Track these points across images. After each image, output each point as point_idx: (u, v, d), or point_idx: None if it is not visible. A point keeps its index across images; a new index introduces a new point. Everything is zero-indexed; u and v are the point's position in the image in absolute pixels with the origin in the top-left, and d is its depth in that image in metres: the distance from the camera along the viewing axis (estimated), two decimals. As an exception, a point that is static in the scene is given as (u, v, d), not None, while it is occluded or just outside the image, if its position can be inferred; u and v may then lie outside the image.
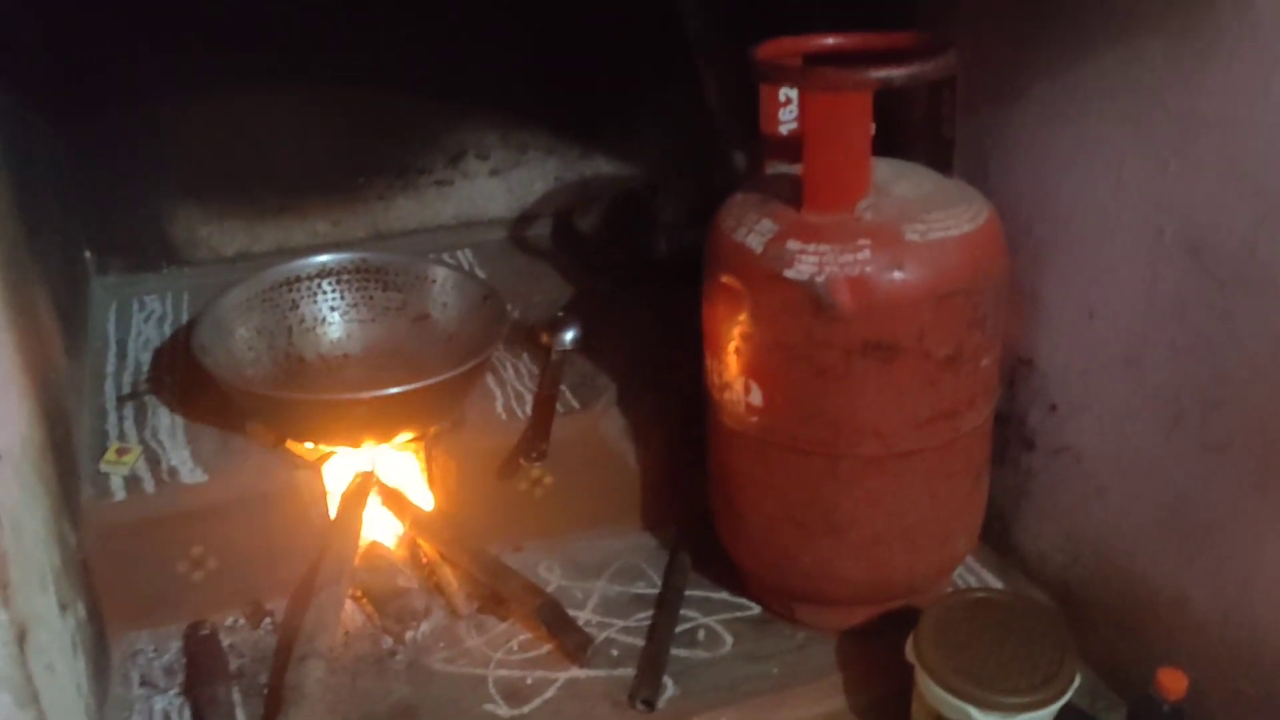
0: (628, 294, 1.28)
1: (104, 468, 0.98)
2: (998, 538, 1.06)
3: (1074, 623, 0.97)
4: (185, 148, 1.27)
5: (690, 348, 1.15)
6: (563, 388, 1.11)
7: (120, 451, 1.00)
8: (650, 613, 1.02)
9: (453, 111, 1.35)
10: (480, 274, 1.32)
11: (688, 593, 1.04)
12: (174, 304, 1.26)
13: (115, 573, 0.95)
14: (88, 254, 1.28)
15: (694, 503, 1.09)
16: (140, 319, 1.24)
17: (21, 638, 0.64)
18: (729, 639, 0.99)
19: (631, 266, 1.31)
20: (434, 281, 1.15)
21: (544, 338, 1.18)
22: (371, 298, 1.16)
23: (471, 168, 1.38)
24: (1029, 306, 0.98)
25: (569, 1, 1.32)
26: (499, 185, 1.40)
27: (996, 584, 1.05)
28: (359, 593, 1.02)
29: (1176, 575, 0.88)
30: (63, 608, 0.77)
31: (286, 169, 1.31)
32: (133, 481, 0.98)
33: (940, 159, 0.92)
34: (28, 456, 0.75)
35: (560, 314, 1.21)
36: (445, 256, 1.36)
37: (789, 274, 0.85)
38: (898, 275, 0.83)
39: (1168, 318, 0.85)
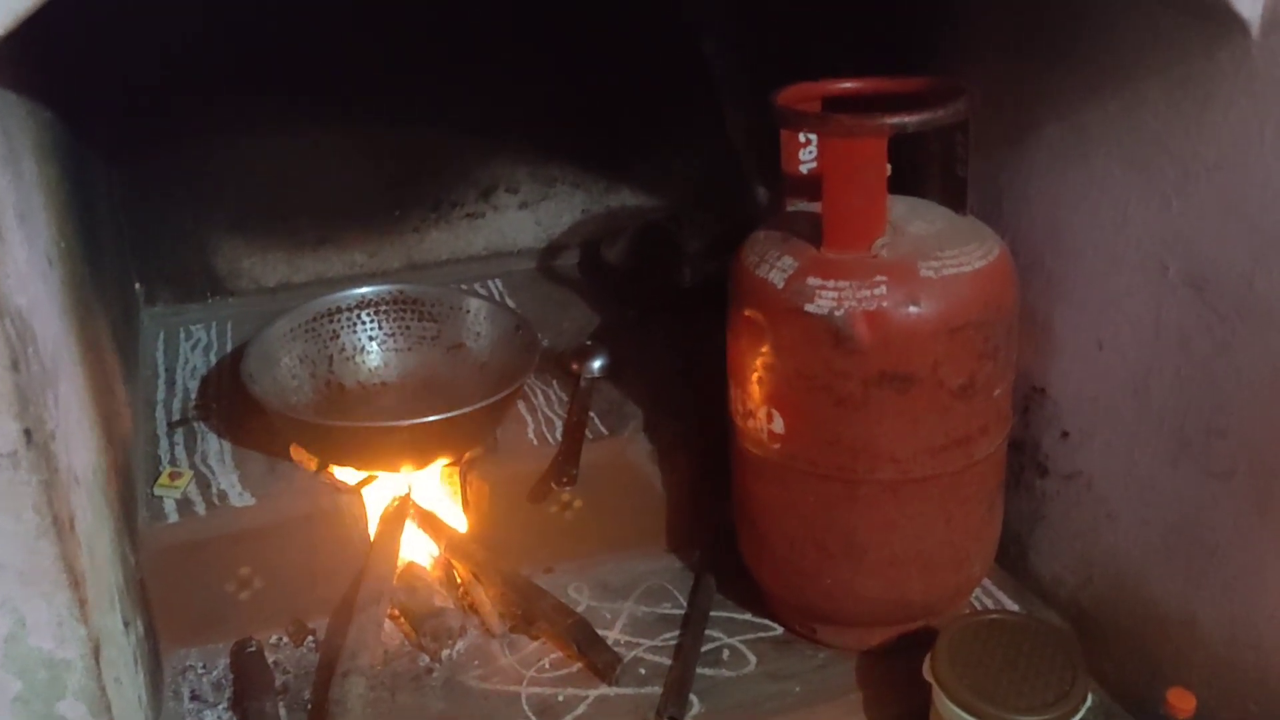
0: (653, 323, 1.32)
1: (158, 491, 1.03)
2: (1014, 561, 1.10)
3: (1087, 643, 1.01)
4: (230, 183, 1.32)
5: (713, 375, 1.20)
6: (591, 414, 1.16)
7: (173, 476, 1.05)
8: (676, 633, 1.06)
9: (484, 147, 1.40)
10: (510, 303, 1.37)
11: (712, 613, 1.08)
12: (219, 333, 1.32)
13: (168, 592, 1.00)
14: (137, 285, 1.33)
15: (717, 525, 1.13)
16: (187, 347, 1.29)
17: (96, 651, 0.69)
18: (752, 658, 1.03)
19: (657, 296, 1.35)
20: (468, 312, 1.20)
21: (573, 365, 1.22)
22: (408, 328, 1.21)
23: (502, 201, 1.44)
24: (1042, 337, 1.02)
25: (597, 41, 1.37)
26: (528, 217, 1.46)
27: (1013, 606, 1.08)
28: (397, 612, 1.07)
29: (1185, 597, 0.92)
30: (125, 624, 0.82)
31: (326, 203, 1.37)
32: (185, 504, 1.03)
33: (954, 197, 0.96)
34: (98, 481, 0.80)
35: (588, 342, 1.26)
36: (476, 286, 1.41)
37: (809, 308, 0.89)
38: (913, 310, 0.87)
39: (1172, 348, 0.89)
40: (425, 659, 1.03)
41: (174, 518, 1.01)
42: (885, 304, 0.87)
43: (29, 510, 0.62)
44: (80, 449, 0.75)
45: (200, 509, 1.02)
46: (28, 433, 0.61)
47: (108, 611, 0.75)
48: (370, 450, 1.04)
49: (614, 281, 1.40)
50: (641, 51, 1.37)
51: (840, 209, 0.89)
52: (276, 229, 1.36)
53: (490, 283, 1.42)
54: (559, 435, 1.13)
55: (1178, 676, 0.92)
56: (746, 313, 0.94)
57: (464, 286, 1.40)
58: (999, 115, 1.01)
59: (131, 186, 1.28)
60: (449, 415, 1.00)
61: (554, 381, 1.22)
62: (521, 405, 1.17)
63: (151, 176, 1.29)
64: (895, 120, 0.85)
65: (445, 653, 1.03)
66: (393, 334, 1.20)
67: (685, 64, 1.31)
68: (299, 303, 1.34)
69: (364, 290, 1.20)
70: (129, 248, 1.30)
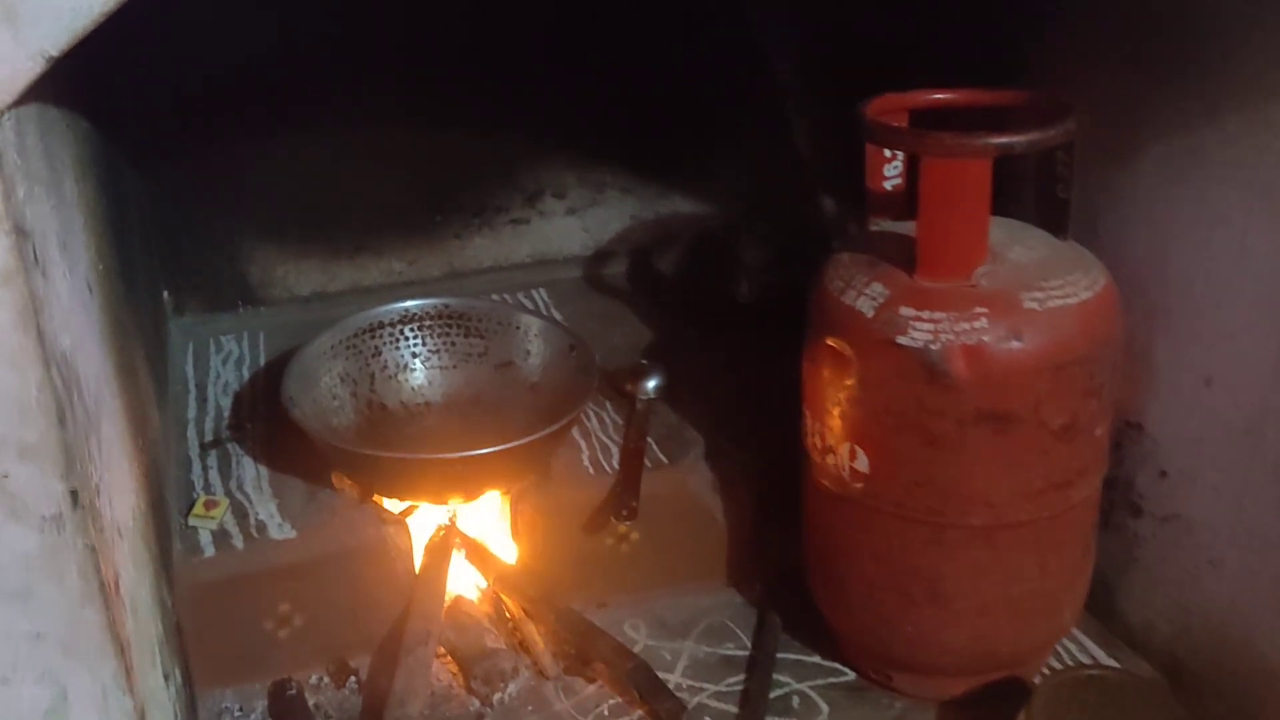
0: (709, 339, 1.26)
1: (193, 522, 0.97)
2: (1100, 604, 1.03)
3: (1182, 697, 0.95)
4: (263, 188, 1.26)
5: (777, 398, 1.13)
6: (649, 439, 1.09)
7: (208, 505, 0.99)
8: (742, 677, 1.00)
9: (530, 151, 1.34)
10: (556, 314, 1.31)
11: (779, 655, 1.02)
12: (250, 345, 1.25)
13: (204, 630, 0.94)
14: (165, 294, 1.27)
15: (782, 559, 1.07)
16: (218, 361, 1.23)
17: (141, 718, 0.63)
18: (824, 707, 0.97)
19: (713, 310, 1.29)
20: (518, 328, 1.13)
21: (627, 386, 1.16)
22: (453, 344, 1.14)
23: (548, 206, 1.37)
24: (1140, 369, 0.95)
25: (650, 41, 1.30)
26: (575, 224, 1.39)
27: (1099, 652, 1.01)
28: (445, 651, 1.01)
29: (1300, 656, 0.85)
30: (166, 678, 0.76)
31: (363, 208, 1.30)
32: (221, 536, 0.97)
33: (1054, 220, 0.89)
34: (138, 527, 0.74)
35: (643, 361, 1.19)
36: (520, 295, 1.35)
37: (902, 341, 0.82)
38: (1015, 345, 0.81)
39: (1295, 390, 0.82)
40: (476, 703, 0.97)
41: (210, 551, 0.95)
42: (985, 338, 0.81)
43: (73, 576, 0.56)
44: (121, 493, 0.69)
45: (238, 542, 0.96)
46: (74, 494, 0.55)
47: (150, 671, 0.69)
48: (418, 482, 0.98)
49: (666, 293, 1.33)
50: (697, 52, 1.31)
51: (938, 234, 0.82)
52: (311, 235, 1.30)
53: (535, 292, 1.36)
54: (615, 463, 1.07)
55: (1288, 739, 0.87)
56: (829, 341, 0.87)
57: (507, 297, 1.34)
58: (1097, 131, 0.94)
59: (161, 191, 1.22)
60: (504, 447, 0.94)
61: (607, 403, 1.15)
62: (575, 430, 1.10)
63: (182, 181, 1.23)
64: (1002, 140, 0.79)
65: (497, 697, 0.97)
66: (437, 350, 1.14)
67: (743, 66, 1.25)
68: (334, 312, 1.28)
69: (407, 304, 1.13)
70: (157, 255, 1.24)
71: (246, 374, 1.20)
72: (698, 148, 1.38)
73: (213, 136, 1.21)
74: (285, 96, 1.20)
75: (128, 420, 0.76)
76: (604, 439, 1.10)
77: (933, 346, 0.81)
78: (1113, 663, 1.00)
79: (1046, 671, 0.98)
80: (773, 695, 0.97)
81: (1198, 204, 0.88)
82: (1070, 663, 1.01)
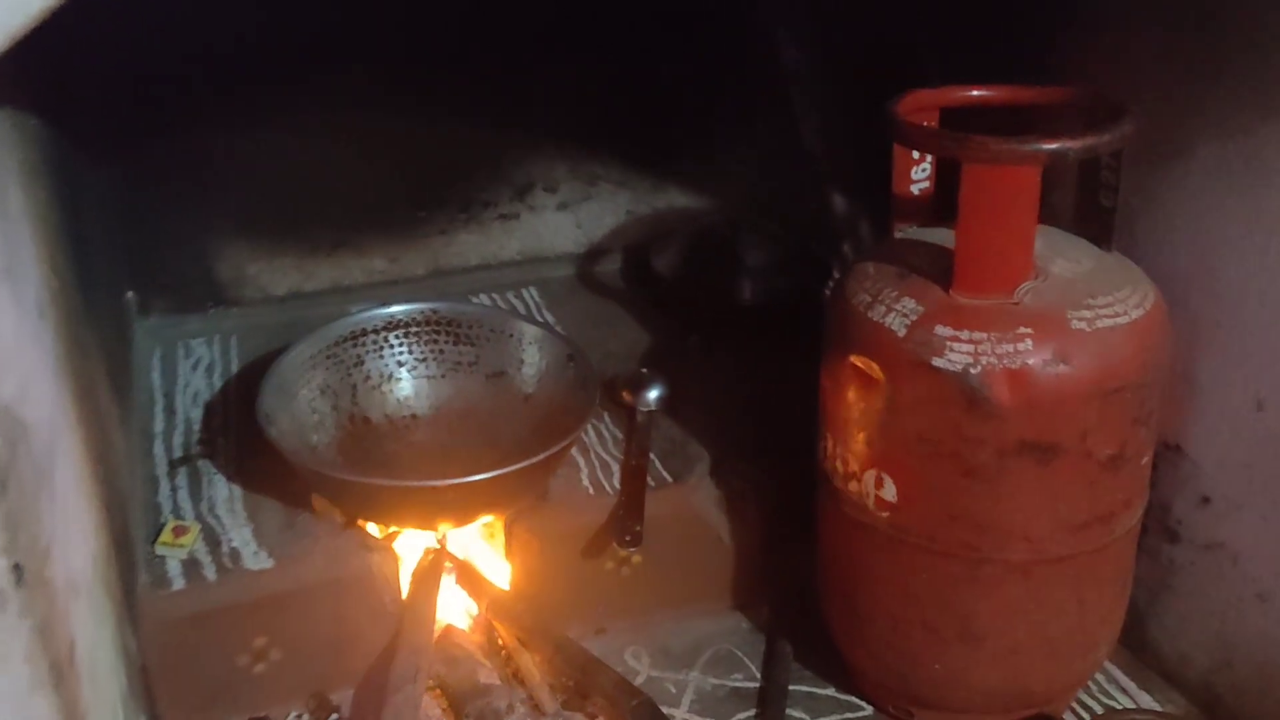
0: (712, 344, 1.19)
1: (160, 550, 0.89)
2: (1131, 633, 0.97)
3: (1220, 734, 0.90)
4: (234, 181, 1.17)
5: (786, 410, 1.07)
6: (651, 455, 1.02)
7: (177, 531, 0.91)
8: (752, 712, 0.93)
9: (520, 141, 1.26)
10: (548, 315, 1.24)
11: (790, 687, 0.96)
12: (222, 349, 1.17)
13: (172, 669, 0.86)
14: (129, 294, 1.18)
15: (790, 581, 1.01)
16: (187, 367, 1.14)
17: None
18: (842, 747, 0.91)
19: (715, 313, 1.21)
20: (511, 335, 1.05)
21: (626, 396, 1.09)
22: (442, 352, 1.06)
23: (538, 201, 1.29)
24: (1181, 388, 0.89)
25: (646, 28, 1.22)
26: (567, 219, 1.31)
27: (1129, 683, 0.96)
28: (434, 685, 0.94)
29: (1357, 701, 0.80)
30: (128, 737, 0.69)
31: (342, 203, 1.22)
32: (191, 566, 0.89)
33: (1097, 230, 0.83)
34: (97, 573, 0.66)
35: (643, 370, 1.12)
36: (509, 295, 1.27)
37: (938, 363, 0.75)
38: (1062, 369, 0.74)
39: (1361, 420, 0.76)
40: (468, 743, 0.90)
41: (179, 583, 0.87)
42: (1030, 361, 0.74)
43: (19, 662, 0.48)
44: (79, 540, 0.61)
45: (210, 572, 0.88)
46: (17, 569, 0.47)
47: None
48: (407, 508, 0.91)
49: (664, 293, 1.26)
50: (698, 38, 1.23)
51: (979, 247, 0.75)
52: (287, 232, 1.21)
53: (525, 292, 1.28)
54: (616, 481, 1.00)
55: (1340, 787, 0.81)
56: (855, 360, 0.80)
57: (496, 297, 1.27)
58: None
59: (123, 186, 1.13)
60: (500, 473, 0.86)
61: (605, 414, 1.08)
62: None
63: (146, 175, 1.14)
64: (1056, 146, 0.72)
65: (490, 736, 0.90)
66: (424, 359, 1.06)
67: (748, 53, 1.17)
68: (311, 312, 1.21)
69: (392, 310, 1.05)
70: (121, 254, 1.15)
71: (218, 382, 1.12)
72: (698, 139, 1.30)
73: (179, 127, 1.12)
74: (258, 83, 1.11)
75: (86, 452, 0.69)
76: (603, 455, 1.03)
77: (972, 370, 0.75)
78: (1145, 695, 0.95)
79: (1076, 706, 0.93)
80: (786, 733, 0.91)
81: (1253, 213, 0.82)
82: (1098, 693, 0.95)
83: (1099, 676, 0.96)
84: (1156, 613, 0.96)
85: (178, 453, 1.02)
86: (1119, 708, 0.92)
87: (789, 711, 0.93)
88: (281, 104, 1.14)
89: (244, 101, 1.12)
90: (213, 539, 0.91)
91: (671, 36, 1.23)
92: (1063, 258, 0.80)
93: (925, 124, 0.82)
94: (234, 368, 1.14)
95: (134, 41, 1.06)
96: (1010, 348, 0.74)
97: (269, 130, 1.15)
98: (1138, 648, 0.97)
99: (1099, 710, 0.93)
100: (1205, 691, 0.92)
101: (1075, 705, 0.93)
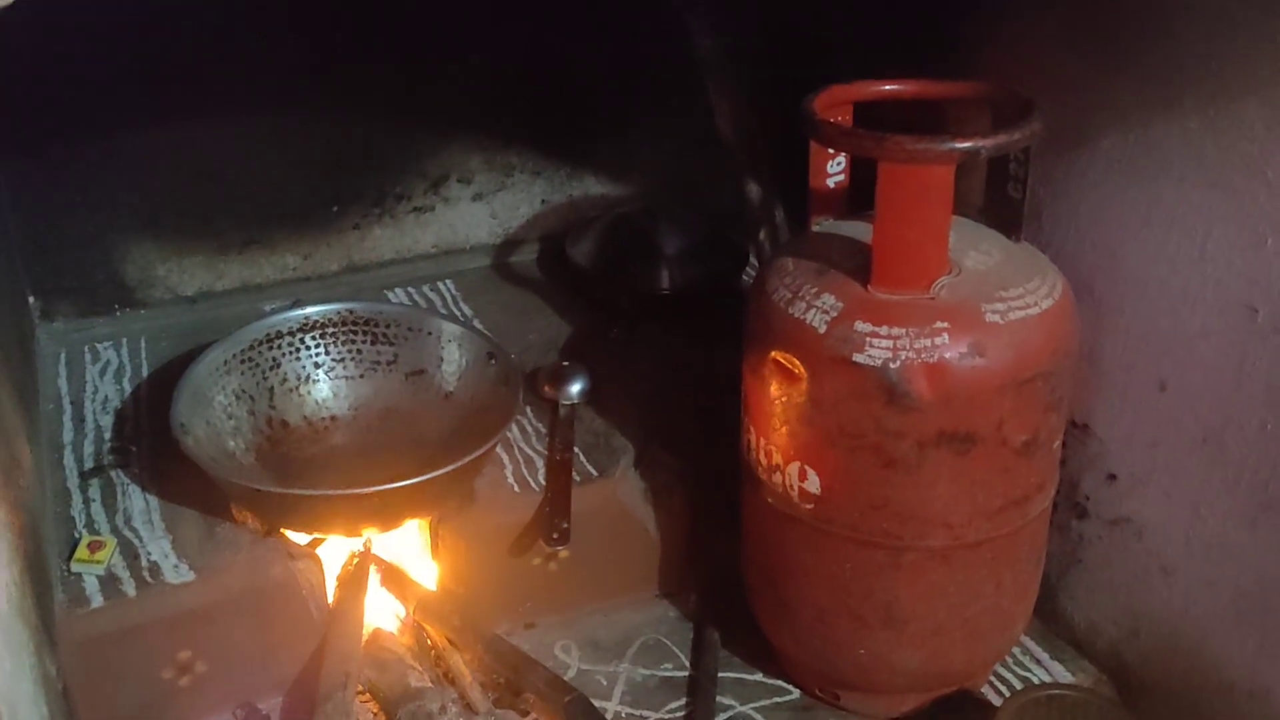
0: (630, 333, 1.19)
1: (76, 567, 0.87)
2: (1042, 605, 1.00)
3: (1129, 700, 0.94)
4: (140, 180, 1.13)
5: (706, 399, 1.08)
6: (575, 450, 1.03)
7: (93, 547, 0.88)
8: (683, 701, 0.95)
9: (433, 133, 1.23)
10: (465, 308, 1.23)
11: (720, 674, 0.97)
12: (130, 352, 1.14)
13: (94, 687, 0.85)
14: (30, 299, 1.14)
15: (715, 568, 1.02)
16: (95, 372, 1.11)
17: None
18: (771, 731, 0.93)
19: (633, 301, 1.22)
20: (429, 334, 1.04)
21: (548, 390, 1.09)
22: (359, 351, 1.05)
23: (453, 192, 1.27)
24: (1088, 371, 0.91)
25: (556, 15, 1.21)
26: (482, 210, 1.30)
27: (1042, 654, 0.99)
28: (365, 690, 0.93)
29: (1256, 668, 0.83)
30: (52, 769, 0.67)
31: (253, 200, 1.19)
32: (110, 582, 0.86)
33: (1007, 221, 0.85)
34: (12, 603, 0.64)
35: (564, 363, 1.12)
36: (426, 289, 1.26)
37: (858, 359, 0.77)
38: (979, 361, 0.76)
39: (1258, 400, 0.79)
40: (401, 747, 0.90)
41: (98, 601, 0.85)
42: (947, 355, 0.76)
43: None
44: (-8, 576, 0.60)
45: (129, 588, 0.86)
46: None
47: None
48: (330, 516, 0.90)
49: (581, 283, 1.25)
50: (610, 25, 1.22)
51: (896, 243, 0.77)
52: (195, 230, 1.18)
53: (442, 284, 1.27)
54: (541, 477, 1.00)
55: (1240, 749, 0.85)
56: (776, 356, 0.81)
57: (412, 290, 1.25)
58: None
59: (20, 187, 1.09)
60: (425, 479, 0.86)
61: (528, 408, 1.08)
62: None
63: (45, 174, 1.10)
64: (968, 145, 0.73)
65: (424, 739, 0.90)
66: (342, 359, 1.05)
67: (661, 40, 1.16)
68: (222, 312, 1.19)
69: (307, 311, 1.03)
70: (19, 257, 1.11)
71: (128, 386, 1.09)
72: (612, 126, 1.30)
73: (79, 123, 1.08)
74: (163, 80, 1.08)
75: (-3, 477, 0.67)
76: (527, 450, 1.03)
77: (892, 365, 0.76)
78: (1058, 665, 0.98)
79: (994, 680, 0.96)
80: (717, 720, 0.93)
81: (1150, 202, 0.85)
82: (1014, 666, 0.98)
83: (1014, 649, 1.00)
84: (1067, 585, 0.99)
85: (89, 463, 0.99)
86: (1035, 682, 0.96)
87: (719, 699, 0.95)
88: (188, 100, 1.10)
89: (148, 98, 1.08)
90: (131, 553, 0.89)
91: (584, 24, 1.22)
92: (975, 250, 0.82)
93: (841, 122, 0.83)
94: (144, 371, 1.11)
95: (31, 39, 1.02)
96: (928, 342, 0.76)
97: (175, 127, 1.11)
98: (1050, 619, 1.01)
99: (1016, 683, 0.96)
100: (1114, 659, 0.96)
101: (993, 679, 0.96)
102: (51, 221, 1.12)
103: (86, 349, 1.14)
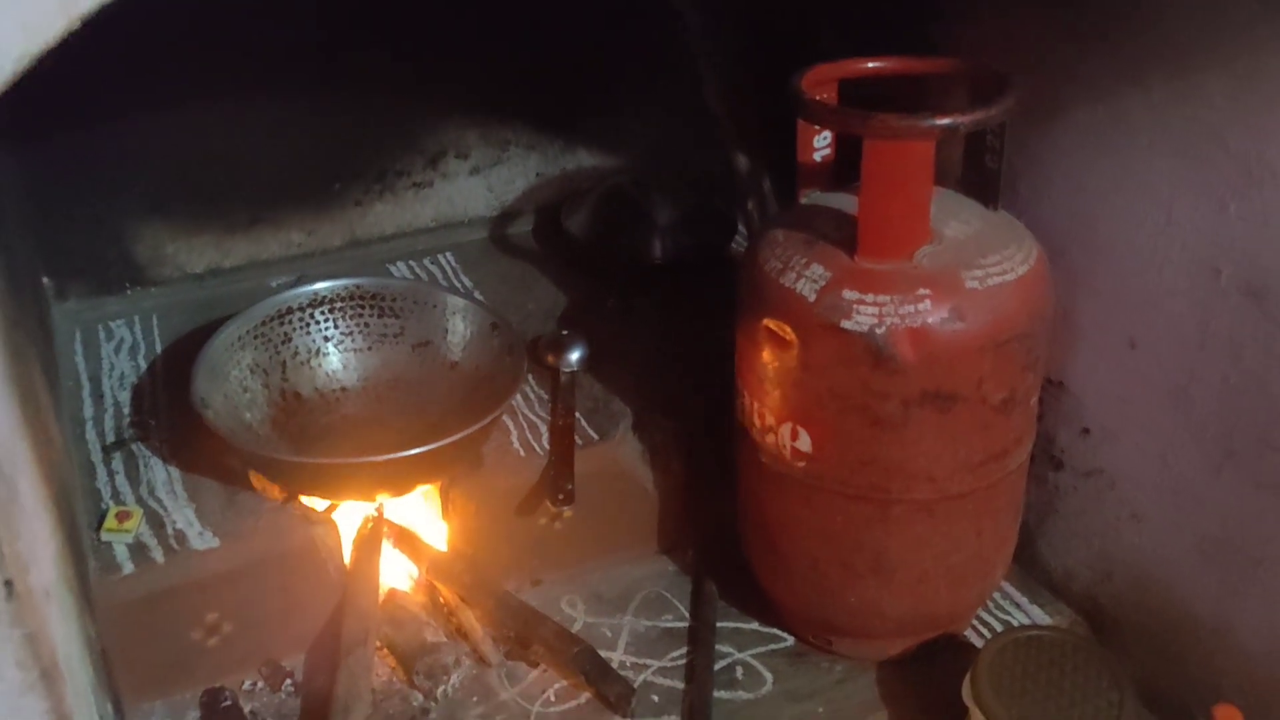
0: (626, 302, 1.24)
1: (105, 537, 0.92)
2: (1022, 551, 1.05)
3: (1104, 639, 0.99)
4: (148, 160, 1.17)
5: (699, 363, 1.13)
6: (577, 415, 1.07)
7: (121, 517, 0.93)
8: (684, 650, 1.00)
9: (431, 110, 1.27)
10: (465, 279, 1.27)
11: (718, 624, 1.03)
12: (144, 330, 1.18)
13: (128, 648, 0.89)
14: (45, 280, 1.18)
15: (711, 523, 1.08)
16: (110, 349, 1.15)
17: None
18: (768, 676, 0.98)
19: (626, 270, 1.26)
20: (434, 306, 1.09)
21: (549, 358, 1.13)
22: (367, 325, 1.09)
23: (451, 168, 1.31)
24: (1063, 331, 0.96)
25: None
26: (479, 184, 1.33)
27: (1021, 598, 1.05)
28: (383, 646, 0.98)
29: (1220, 605, 0.89)
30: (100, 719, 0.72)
31: (257, 179, 1.22)
32: (138, 550, 0.91)
33: (985, 190, 0.89)
34: (59, 572, 0.68)
35: (564, 332, 1.16)
36: (426, 262, 1.30)
37: (846, 325, 0.82)
38: (959, 325, 0.81)
39: (1220, 356, 0.85)
40: (419, 698, 0.95)
41: (129, 568, 0.90)
42: (930, 320, 0.81)
43: (11, 669, 0.51)
44: (43, 546, 0.64)
45: (157, 555, 0.91)
46: (8, 584, 0.50)
47: (91, 725, 0.65)
48: (344, 484, 0.94)
49: (576, 253, 1.30)
50: (598, 2, 1.25)
51: (880, 216, 0.81)
52: (203, 209, 1.21)
53: (441, 257, 1.31)
54: (545, 442, 1.04)
55: (1207, 681, 0.91)
56: (768, 324, 0.86)
57: (413, 263, 1.29)
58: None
59: (34, 170, 1.12)
60: (435, 446, 0.90)
61: (530, 376, 1.12)
62: (501, 410, 1.08)
63: (57, 157, 1.13)
64: (948, 121, 0.78)
65: (440, 690, 0.95)
66: (350, 333, 1.09)
67: (651, 15, 1.20)
68: (230, 288, 1.23)
69: (316, 287, 1.07)
70: (35, 239, 1.14)
71: (143, 363, 1.13)
72: (604, 100, 1.33)
73: (88, 106, 1.11)
74: (167, 61, 1.11)
75: (35, 454, 0.71)
76: (531, 416, 1.08)
77: (878, 330, 0.81)
78: (1036, 608, 1.04)
79: (976, 624, 1.02)
80: (717, 667, 0.98)
81: (1120, 170, 0.89)
82: (995, 610, 1.04)
83: (995, 594, 1.05)
84: (1044, 533, 1.05)
85: (110, 437, 1.03)
86: (1015, 624, 1.01)
87: (718, 647, 1.00)
88: (193, 85, 1.13)
89: (155, 83, 1.11)
90: (156, 522, 0.94)
91: (574, 2, 1.25)
92: (955, 219, 0.86)
93: (827, 99, 0.88)
94: (157, 347, 1.15)
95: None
96: (911, 308, 0.81)
97: (182, 111, 1.14)
98: (1028, 565, 1.07)
99: (997, 626, 1.02)
100: (1089, 602, 1.02)
101: (976, 622, 1.02)
102: (63, 204, 1.16)
103: (100, 327, 1.18)
